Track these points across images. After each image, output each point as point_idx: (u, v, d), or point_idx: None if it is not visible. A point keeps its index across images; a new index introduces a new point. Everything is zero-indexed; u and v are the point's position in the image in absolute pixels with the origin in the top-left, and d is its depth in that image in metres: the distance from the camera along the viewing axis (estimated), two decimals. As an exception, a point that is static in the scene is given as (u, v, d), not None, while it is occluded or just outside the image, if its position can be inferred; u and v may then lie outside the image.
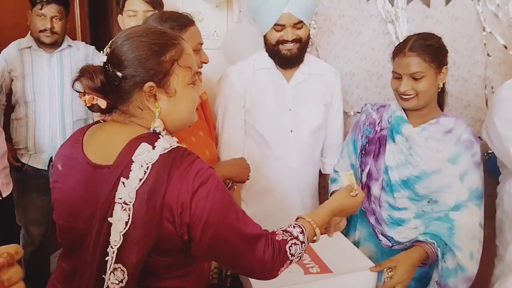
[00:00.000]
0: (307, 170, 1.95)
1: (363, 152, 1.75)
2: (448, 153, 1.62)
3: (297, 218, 1.21)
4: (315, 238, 1.20)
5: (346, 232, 1.81)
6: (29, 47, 2.38)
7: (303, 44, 1.77)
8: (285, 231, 1.13)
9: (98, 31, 3.88)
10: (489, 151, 2.29)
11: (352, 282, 1.39)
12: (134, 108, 1.04)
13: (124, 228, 0.93)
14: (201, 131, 1.69)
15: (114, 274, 0.93)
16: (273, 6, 1.68)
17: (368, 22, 2.33)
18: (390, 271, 1.43)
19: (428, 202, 1.65)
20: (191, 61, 1.07)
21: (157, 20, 1.47)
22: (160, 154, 0.96)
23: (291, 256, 1.10)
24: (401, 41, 1.78)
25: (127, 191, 0.94)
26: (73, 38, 3.35)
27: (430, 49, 1.58)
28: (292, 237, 1.12)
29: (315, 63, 1.92)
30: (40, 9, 2.29)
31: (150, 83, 1.00)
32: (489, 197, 2.52)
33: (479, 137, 1.79)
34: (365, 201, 1.70)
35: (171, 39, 1.05)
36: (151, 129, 1.03)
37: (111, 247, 0.93)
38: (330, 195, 1.84)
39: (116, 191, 0.94)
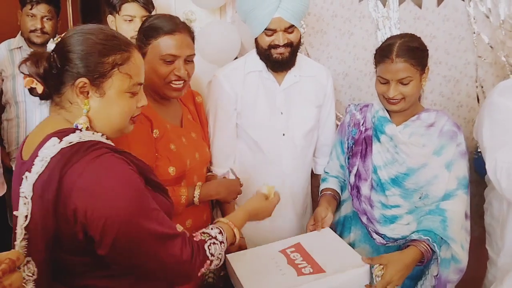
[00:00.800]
0: (300, 173, 1.94)
1: (350, 154, 1.76)
2: (432, 146, 1.64)
3: (215, 222, 1.22)
4: (235, 239, 1.23)
5: (340, 234, 1.80)
6: (20, 47, 2.37)
7: (294, 48, 1.75)
8: (203, 232, 1.13)
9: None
10: (478, 150, 2.31)
11: (345, 280, 1.38)
12: (64, 101, 1.05)
13: (24, 222, 0.94)
14: (194, 132, 1.67)
15: (27, 267, 0.93)
16: (263, 11, 1.65)
17: (360, 22, 2.34)
18: (381, 269, 1.43)
19: (420, 198, 1.65)
20: (134, 71, 1.07)
21: (150, 20, 1.52)
22: (61, 148, 0.96)
23: (211, 256, 1.09)
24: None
25: (28, 185, 0.95)
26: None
27: (416, 52, 1.59)
28: (210, 237, 1.12)
29: (306, 64, 1.90)
30: (30, 9, 2.28)
31: (83, 79, 1.01)
32: (477, 197, 2.55)
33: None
34: (355, 201, 1.71)
35: (120, 44, 1.06)
36: (74, 124, 1.03)
37: (17, 240, 0.95)
38: (320, 193, 1.86)
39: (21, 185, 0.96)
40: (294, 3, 1.66)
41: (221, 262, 1.15)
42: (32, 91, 1.07)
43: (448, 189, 1.62)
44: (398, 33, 2.26)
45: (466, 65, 2.38)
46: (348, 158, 1.76)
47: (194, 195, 1.54)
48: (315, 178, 2.13)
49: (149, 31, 1.48)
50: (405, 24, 2.32)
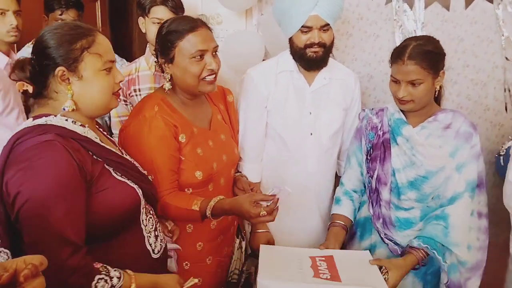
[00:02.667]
0: (325, 173, 1.95)
1: (369, 158, 1.76)
2: (449, 148, 1.64)
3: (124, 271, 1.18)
4: None
5: (361, 235, 1.81)
6: None
7: (327, 48, 1.78)
8: (105, 267, 1.12)
9: (119, 34, 3.95)
10: (500, 153, 2.28)
11: None
12: (51, 92, 1.18)
13: None
14: (223, 134, 1.70)
15: None
16: (301, 8, 1.69)
17: (386, 25, 2.34)
18: (386, 273, 1.49)
19: (432, 198, 1.66)
20: (102, 50, 1.19)
21: (166, 26, 1.53)
22: (26, 127, 1.11)
23: (93, 286, 1.08)
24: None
25: None
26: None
27: (429, 55, 1.58)
28: (107, 274, 1.10)
29: (336, 68, 1.93)
30: (60, 14, 2.33)
31: (60, 68, 1.14)
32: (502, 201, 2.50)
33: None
34: (374, 205, 1.72)
35: (84, 31, 1.18)
36: (63, 107, 1.16)
37: None
38: (331, 218, 1.83)
39: None
40: (331, 2, 1.70)
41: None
42: (25, 93, 1.18)
43: (456, 191, 1.62)
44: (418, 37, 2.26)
45: (494, 68, 2.35)
46: (367, 162, 1.77)
47: (207, 208, 1.45)
48: (339, 180, 2.13)
49: (171, 35, 1.49)
50: (432, 27, 2.31)
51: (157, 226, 1.36)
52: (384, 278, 1.46)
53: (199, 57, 1.48)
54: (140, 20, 2.10)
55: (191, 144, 1.53)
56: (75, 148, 1.11)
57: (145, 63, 2.14)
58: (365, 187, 1.83)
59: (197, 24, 1.51)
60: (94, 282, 1.07)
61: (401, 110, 1.71)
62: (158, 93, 1.59)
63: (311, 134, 1.86)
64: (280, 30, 1.89)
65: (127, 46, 4.02)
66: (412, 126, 1.68)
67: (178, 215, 1.49)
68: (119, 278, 1.12)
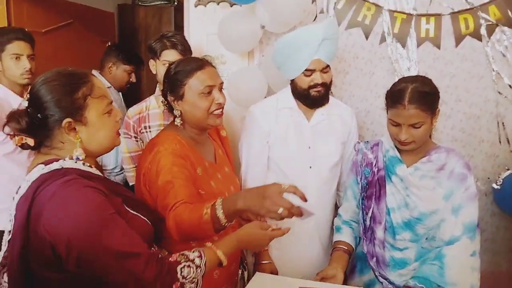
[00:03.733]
0: (325, 204, 2.03)
1: (364, 195, 1.79)
2: (443, 190, 1.66)
3: (204, 245, 1.24)
4: (221, 262, 1.24)
5: (360, 271, 1.84)
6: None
7: (328, 87, 1.93)
8: (182, 254, 1.16)
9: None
10: (497, 183, 2.36)
11: None
12: (56, 142, 1.18)
13: (8, 236, 1.10)
14: (226, 167, 1.78)
15: (3, 276, 1.09)
16: (305, 54, 1.82)
17: (381, 63, 2.46)
18: None
19: (426, 238, 1.68)
20: (103, 92, 1.22)
21: (174, 67, 1.62)
22: (41, 174, 1.10)
23: (182, 278, 1.11)
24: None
25: (13, 204, 1.10)
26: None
27: (427, 98, 1.61)
28: (187, 259, 1.14)
29: (333, 104, 2.04)
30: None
31: (67, 119, 1.15)
32: (502, 230, 2.55)
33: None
34: (367, 244, 1.75)
35: (80, 78, 1.18)
36: (74, 156, 1.16)
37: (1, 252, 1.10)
38: (333, 244, 1.86)
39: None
40: (330, 46, 1.86)
41: (198, 287, 1.15)
42: (23, 146, 1.20)
43: (453, 235, 1.63)
44: (417, 72, 2.38)
45: (486, 102, 2.45)
46: (363, 199, 1.79)
47: (217, 211, 1.30)
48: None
49: (180, 74, 1.59)
50: (424, 64, 2.43)
51: None
52: None
53: (207, 92, 1.57)
54: (151, 62, 2.24)
55: (206, 177, 1.60)
56: (95, 185, 1.12)
57: (155, 102, 2.26)
58: (358, 224, 1.86)
59: (204, 63, 1.62)
60: (178, 274, 1.11)
61: (396, 147, 1.74)
62: (172, 131, 1.63)
63: (311, 167, 1.96)
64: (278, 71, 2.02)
65: (135, 86, 4.19)
66: (407, 165, 1.71)
67: (191, 224, 1.33)
68: (200, 257, 1.17)
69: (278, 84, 2.17)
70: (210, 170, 1.64)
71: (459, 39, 2.42)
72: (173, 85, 1.60)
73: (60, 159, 1.15)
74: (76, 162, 1.16)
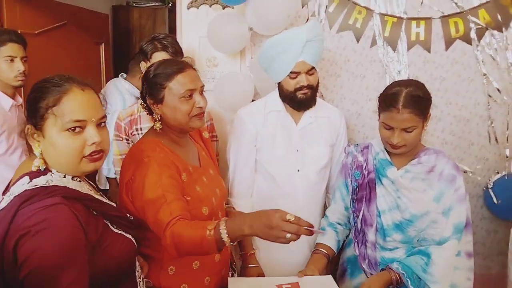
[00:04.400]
0: (313, 206, 2.04)
1: (355, 198, 1.80)
2: (433, 192, 1.68)
3: None
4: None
5: (351, 273, 1.85)
6: None
7: (315, 89, 1.93)
8: None
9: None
10: (488, 186, 2.38)
11: None
12: (31, 146, 1.16)
13: None
14: (211, 169, 1.75)
15: None
16: (289, 56, 1.83)
17: (372, 66, 2.48)
18: None
19: (418, 240, 1.71)
20: (69, 109, 1.10)
21: (153, 69, 1.57)
22: (25, 189, 1.05)
23: None
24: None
25: None
26: (98, 84, 3.60)
27: (421, 102, 1.63)
28: None
29: (321, 106, 2.04)
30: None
31: (28, 125, 1.13)
32: (493, 234, 2.58)
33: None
34: (359, 246, 1.77)
35: (50, 87, 1.12)
36: (33, 167, 1.12)
37: None
38: (315, 246, 1.87)
39: None
40: (314, 48, 1.86)
41: None
42: None
43: (443, 236, 1.66)
44: (407, 75, 2.40)
45: (476, 105, 2.47)
46: (353, 202, 1.80)
47: (221, 234, 1.24)
48: None
49: (160, 78, 1.54)
50: (414, 67, 2.45)
51: (139, 269, 1.37)
52: None
53: (188, 96, 1.52)
54: (142, 64, 2.24)
55: (191, 182, 1.56)
56: (79, 210, 1.09)
57: (146, 104, 2.27)
58: (349, 224, 1.88)
59: (184, 66, 1.56)
60: None
61: (386, 150, 1.75)
62: (151, 136, 1.60)
63: (298, 170, 1.96)
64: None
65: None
66: (397, 167, 1.72)
67: (192, 242, 1.29)
68: None
69: (267, 86, 2.18)
70: (195, 174, 1.60)
71: (449, 42, 2.44)
72: (153, 88, 1.55)
73: (48, 172, 1.11)
74: (65, 177, 1.12)
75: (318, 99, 2.02)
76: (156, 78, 1.54)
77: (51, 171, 1.12)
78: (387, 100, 1.65)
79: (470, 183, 2.52)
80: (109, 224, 1.17)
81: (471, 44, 2.43)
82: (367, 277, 1.74)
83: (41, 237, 1.00)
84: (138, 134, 2.25)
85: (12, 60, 2.24)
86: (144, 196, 1.41)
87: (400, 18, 2.43)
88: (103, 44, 3.71)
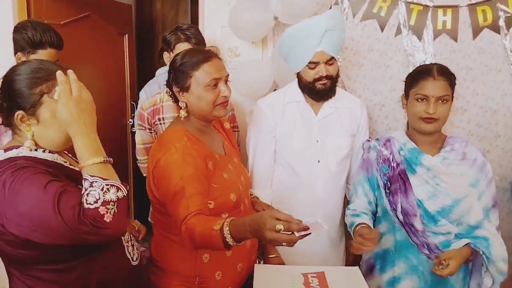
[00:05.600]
0: (333, 197, 2.02)
1: (387, 192, 1.75)
2: (468, 178, 1.69)
3: None
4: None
5: (381, 270, 1.82)
6: None
7: (334, 79, 1.90)
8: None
9: (145, 65, 4.17)
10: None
11: None
12: (15, 128, 1.23)
13: None
14: (235, 157, 1.77)
15: None
16: (307, 46, 1.81)
17: (396, 56, 2.44)
18: (447, 265, 1.58)
19: (457, 224, 1.71)
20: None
21: (179, 58, 1.59)
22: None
23: (94, 203, 1.09)
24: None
25: None
26: (122, 74, 3.64)
27: (451, 75, 1.68)
28: (83, 191, 1.13)
29: (341, 96, 2.01)
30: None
31: (19, 112, 1.18)
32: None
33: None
34: (412, 237, 1.71)
35: (46, 75, 1.19)
36: (24, 147, 1.20)
37: None
38: (355, 226, 1.79)
39: None
40: (334, 38, 1.82)
41: (121, 188, 1.15)
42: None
43: (477, 220, 1.68)
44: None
45: (503, 96, 2.41)
46: (388, 196, 1.75)
47: (225, 235, 1.25)
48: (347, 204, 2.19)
49: (186, 67, 1.56)
50: (440, 57, 2.40)
51: (131, 236, 1.43)
52: (445, 267, 1.57)
53: (213, 85, 1.54)
54: (165, 54, 2.26)
55: (218, 170, 1.58)
56: (48, 170, 1.17)
57: (169, 94, 2.29)
58: (373, 217, 1.87)
59: (210, 55, 1.58)
60: (84, 204, 1.10)
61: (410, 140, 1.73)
62: (178, 124, 1.62)
63: (319, 161, 1.95)
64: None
65: (152, 78, 4.23)
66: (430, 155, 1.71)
67: (202, 238, 1.31)
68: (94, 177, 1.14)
69: (288, 76, 2.16)
70: (221, 162, 1.62)
71: (476, 31, 2.38)
72: (179, 76, 1.57)
73: (20, 147, 1.20)
74: (36, 150, 1.21)
75: (339, 89, 2.00)
76: (182, 66, 1.56)
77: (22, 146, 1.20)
78: (421, 72, 1.69)
79: (496, 175, 2.46)
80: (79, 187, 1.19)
81: (499, 33, 2.36)
82: (431, 259, 1.69)
83: (19, 200, 1.08)
84: (161, 124, 2.27)
85: None
86: (167, 187, 1.44)
87: (426, 6, 2.38)
88: (126, 35, 3.73)
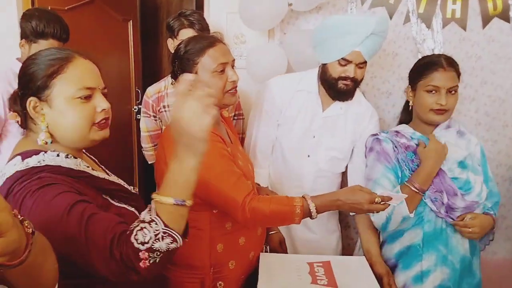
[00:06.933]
0: (321, 192, 1.97)
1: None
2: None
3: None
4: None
5: (405, 267, 1.72)
6: None
7: (357, 83, 1.84)
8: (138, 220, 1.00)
9: (150, 52, 4.14)
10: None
11: None
12: (30, 123, 1.11)
13: None
14: (239, 146, 1.75)
15: None
16: (347, 42, 1.73)
17: (405, 44, 2.41)
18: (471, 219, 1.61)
19: None
20: (76, 75, 1.08)
21: (183, 46, 1.54)
22: (16, 171, 1.01)
23: (142, 245, 0.93)
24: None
25: None
26: (126, 61, 3.61)
27: (458, 66, 1.68)
28: (140, 222, 0.97)
29: (356, 100, 1.92)
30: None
31: (31, 98, 1.06)
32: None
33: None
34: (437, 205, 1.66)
35: (58, 57, 1.09)
36: (39, 141, 1.07)
37: None
38: None
39: None
40: (375, 43, 1.76)
41: (177, 240, 0.97)
42: (19, 122, 1.14)
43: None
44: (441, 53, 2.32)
45: (512, 85, 2.38)
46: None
47: (310, 208, 1.42)
48: (342, 213, 2.17)
49: (191, 54, 1.51)
50: (449, 45, 2.37)
51: None
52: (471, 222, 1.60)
53: (220, 71, 1.49)
54: (169, 41, 2.23)
55: (234, 156, 1.54)
56: (70, 188, 1.02)
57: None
58: None
59: (215, 40, 1.53)
60: (135, 244, 0.93)
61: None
62: None
63: (309, 156, 1.92)
64: (302, 49, 1.95)
65: (157, 64, 4.21)
66: None
67: (275, 215, 1.42)
68: (153, 216, 0.97)
69: (299, 64, 2.13)
70: (233, 149, 1.59)
71: (486, 20, 2.34)
72: (184, 64, 1.52)
73: (40, 151, 1.06)
74: (58, 155, 1.07)
75: (358, 93, 1.93)
76: (187, 54, 1.52)
77: (44, 151, 1.07)
78: (429, 64, 1.68)
79: (504, 166, 2.45)
80: (109, 199, 1.13)
81: (509, 22, 2.34)
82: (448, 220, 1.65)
83: (41, 218, 0.93)
84: (165, 111, 2.26)
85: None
86: (204, 180, 1.34)
87: (435, -7, 2.34)
88: (131, 21, 3.69)
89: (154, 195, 0.98)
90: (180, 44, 1.58)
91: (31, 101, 1.07)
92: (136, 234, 0.93)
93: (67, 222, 0.94)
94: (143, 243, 0.93)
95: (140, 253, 0.93)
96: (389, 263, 1.74)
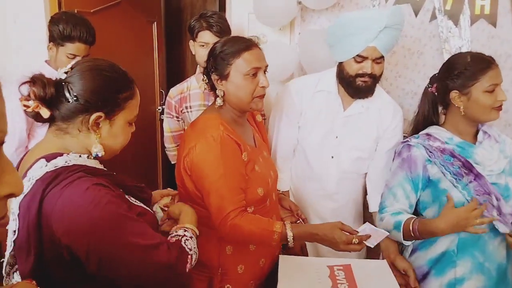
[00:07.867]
0: (345, 195, 1.96)
1: (467, 181, 1.60)
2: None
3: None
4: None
5: (437, 273, 1.66)
6: None
7: (377, 79, 1.81)
8: (176, 234, 1.20)
9: (173, 54, 4.18)
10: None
11: None
12: (73, 128, 1.10)
13: (14, 236, 1.02)
14: (265, 151, 1.74)
15: (13, 277, 1.04)
16: (361, 38, 1.71)
17: (430, 42, 2.35)
18: None
19: None
20: (137, 104, 1.19)
21: (220, 46, 1.56)
22: (46, 172, 1.01)
23: (190, 251, 1.15)
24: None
25: (15, 203, 1.01)
26: (151, 62, 3.66)
27: None
28: (182, 235, 1.19)
29: (377, 96, 1.89)
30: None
31: (99, 113, 1.08)
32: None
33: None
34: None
35: (130, 82, 1.16)
36: (93, 153, 1.11)
37: (6, 251, 1.04)
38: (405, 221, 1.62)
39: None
40: (390, 36, 1.73)
41: (196, 256, 1.20)
42: (34, 114, 1.07)
43: None
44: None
45: (544, 84, 2.29)
46: (466, 185, 1.60)
47: (288, 238, 1.45)
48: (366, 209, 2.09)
49: (227, 55, 1.53)
50: (477, 43, 2.30)
51: None
52: None
53: (252, 75, 1.51)
54: (191, 43, 2.25)
55: (251, 161, 1.55)
56: (103, 182, 1.07)
57: (196, 82, 2.28)
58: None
59: (251, 44, 1.55)
60: (186, 248, 1.16)
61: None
62: (214, 113, 1.58)
63: (332, 157, 1.90)
64: (316, 48, 1.93)
65: (180, 65, 4.24)
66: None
67: (253, 237, 1.47)
68: (186, 231, 1.22)
69: (313, 65, 2.10)
70: (252, 154, 1.59)
71: (517, 16, 2.26)
72: (219, 64, 1.54)
73: (64, 154, 1.07)
74: (80, 156, 1.09)
75: (379, 88, 1.89)
76: (222, 54, 1.53)
77: (67, 153, 1.08)
78: (483, 62, 1.60)
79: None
80: (129, 198, 1.15)
81: (542, 18, 2.24)
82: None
83: (83, 213, 0.97)
84: (188, 112, 2.27)
85: (74, 57, 2.25)
86: (204, 177, 1.46)
87: (463, -10, 2.27)
88: (155, 23, 3.74)
89: (184, 224, 1.25)
90: (216, 43, 1.61)
91: (97, 115, 1.08)
92: (184, 242, 1.15)
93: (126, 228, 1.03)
94: (190, 249, 1.15)
95: (188, 257, 1.13)
96: (420, 270, 1.69)
